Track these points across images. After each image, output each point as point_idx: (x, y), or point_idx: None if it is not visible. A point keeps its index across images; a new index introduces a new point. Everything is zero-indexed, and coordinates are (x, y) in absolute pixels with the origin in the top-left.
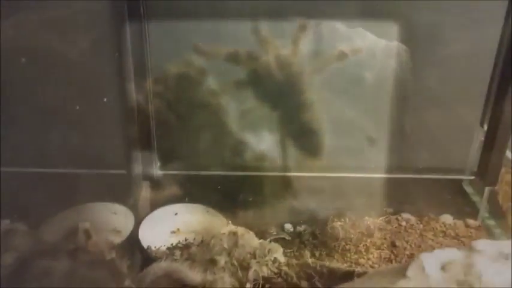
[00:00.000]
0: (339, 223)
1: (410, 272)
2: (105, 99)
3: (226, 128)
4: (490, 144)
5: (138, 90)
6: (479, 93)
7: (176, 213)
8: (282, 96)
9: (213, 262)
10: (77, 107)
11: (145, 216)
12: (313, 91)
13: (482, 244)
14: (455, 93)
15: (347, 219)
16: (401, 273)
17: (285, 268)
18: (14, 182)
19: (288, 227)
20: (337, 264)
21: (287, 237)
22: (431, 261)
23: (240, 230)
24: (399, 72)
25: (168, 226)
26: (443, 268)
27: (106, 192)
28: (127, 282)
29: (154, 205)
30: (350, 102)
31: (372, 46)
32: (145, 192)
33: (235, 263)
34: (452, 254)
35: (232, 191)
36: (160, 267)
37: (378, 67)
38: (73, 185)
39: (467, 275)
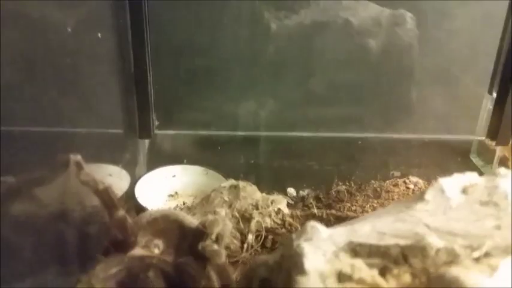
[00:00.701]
0: (344, 186)
1: (428, 195)
2: (99, 35)
3: (228, 87)
4: (502, 103)
5: (136, 46)
6: (487, 62)
7: (174, 175)
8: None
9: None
10: (73, 64)
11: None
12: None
13: (505, 170)
14: (463, 63)
15: (352, 183)
16: (420, 198)
17: (289, 219)
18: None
19: (291, 191)
20: (345, 212)
21: (290, 201)
22: (451, 184)
23: (242, 183)
24: (405, 39)
25: (166, 188)
26: (464, 191)
27: (101, 152)
28: (120, 212)
29: (152, 166)
30: (356, 69)
31: (377, 15)
32: (142, 153)
33: (237, 214)
34: (473, 177)
35: (233, 152)
36: (157, 210)
37: (383, 35)
38: (67, 145)
39: (492, 195)
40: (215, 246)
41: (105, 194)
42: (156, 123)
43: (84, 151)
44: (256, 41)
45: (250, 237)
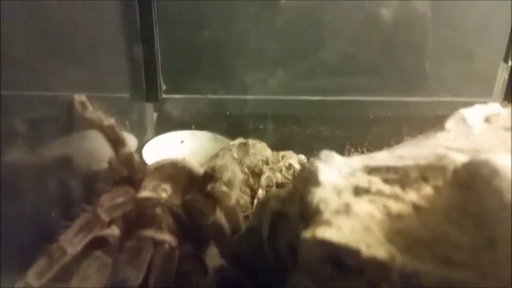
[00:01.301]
0: (356, 153)
1: (449, 125)
2: None
3: (238, 54)
4: None
5: (143, 7)
6: (503, 31)
7: (182, 141)
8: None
9: None
10: (77, 26)
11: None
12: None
13: None
14: (478, 32)
15: (365, 150)
16: (440, 128)
17: None
18: (13, 105)
19: (302, 157)
20: None
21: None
22: (473, 114)
23: (251, 141)
24: (418, 8)
25: (173, 154)
26: (487, 120)
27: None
28: (126, 149)
29: (159, 132)
30: (368, 39)
31: None
32: (149, 118)
33: (246, 170)
34: (496, 107)
35: (242, 117)
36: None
37: (396, 4)
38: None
39: None
40: (224, 188)
41: (110, 131)
42: (164, 87)
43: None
44: (266, 11)
45: (261, 192)
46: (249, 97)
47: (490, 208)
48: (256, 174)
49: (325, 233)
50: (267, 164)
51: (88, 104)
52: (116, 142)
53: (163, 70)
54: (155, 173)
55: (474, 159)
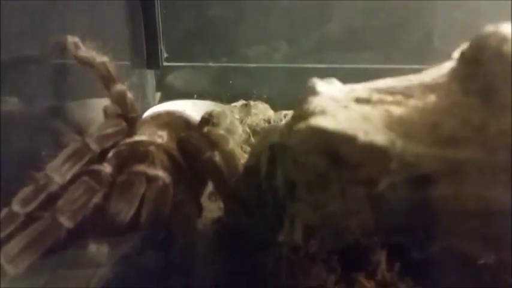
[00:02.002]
0: None
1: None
2: None
3: (242, 26)
4: None
5: None
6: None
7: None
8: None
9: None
10: None
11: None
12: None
13: None
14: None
15: None
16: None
17: None
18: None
19: None
20: None
21: None
22: None
23: (253, 102)
24: None
25: None
26: None
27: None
28: (119, 86)
29: (160, 100)
30: (374, 14)
31: None
32: (150, 86)
33: (248, 129)
34: None
35: (245, 85)
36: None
37: None
38: (71, 78)
39: None
40: (221, 131)
41: (102, 68)
42: (165, 55)
43: (90, 84)
44: None
45: None
46: (252, 65)
47: (500, 74)
48: (258, 133)
49: (319, 121)
50: (269, 122)
51: (81, 45)
52: (108, 79)
53: (164, 37)
54: (151, 121)
55: (481, 32)
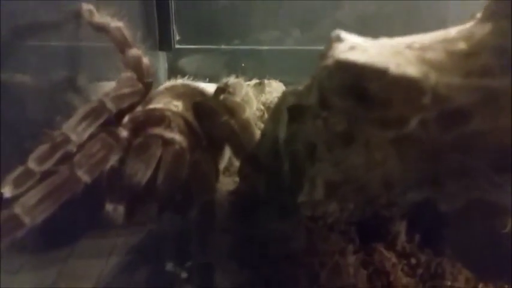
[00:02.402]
0: None
1: None
2: None
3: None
4: None
5: None
6: None
7: None
8: None
9: None
10: None
11: None
12: None
13: None
14: None
15: None
16: None
17: None
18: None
19: None
20: None
21: None
22: None
23: (267, 80)
24: None
25: None
26: None
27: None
28: (134, 50)
29: None
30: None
31: None
32: (162, 68)
33: (262, 107)
34: None
35: (258, 68)
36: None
37: None
38: (84, 60)
39: None
40: (238, 99)
41: (117, 32)
42: (177, 37)
43: (102, 66)
44: None
45: None
46: (265, 47)
47: None
48: None
49: (347, 55)
50: None
51: (95, 11)
52: (123, 44)
53: (177, 20)
54: (166, 92)
55: None
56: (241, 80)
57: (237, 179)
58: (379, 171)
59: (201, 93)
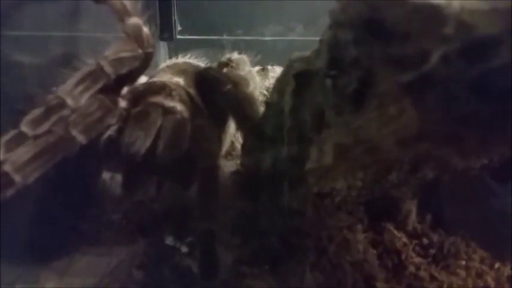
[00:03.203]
0: None
1: None
2: None
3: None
4: None
5: None
6: None
7: None
8: None
9: None
10: None
11: None
12: None
13: None
14: None
15: None
16: None
17: None
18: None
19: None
20: None
21: None
22: None
23: (270, 67)
24: None
25: None
26: None
27: None
28: (134, 19)
29: None
30: None
31: None
32: (163, 59)
33: (265, 92)
34: None
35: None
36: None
37: None
38: (86, 50)
39: None
40: (242, 73)
41: (117, 1)
42: (179, 28)
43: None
44: None
45: None
46: (268, 38)
47: None
48: None
49: None
50: None
51: None
52: (123, 12)
53: (178, 10)
54: (167, 69)
55: None
56: (244, 56)
57: (239, 162)
58: (392, 127)
59: (203, 69)
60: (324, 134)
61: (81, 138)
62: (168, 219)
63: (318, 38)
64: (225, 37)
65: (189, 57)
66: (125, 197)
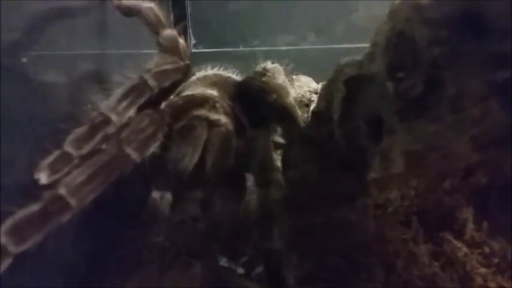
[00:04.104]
0: None
1: None
2: None
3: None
4: None
5: None
6: None
7: None
8: None
9: None
10: None
11: None
12: None
13: None
14: None
15: None
16: None
17: None
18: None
19: None
20: None
21: None
22: None
23: (295, 76)
24: None
25: None
26: None
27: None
28: (169, 31)
29: None
30: None
31: None
32: None
33: (293, 101)
34: None
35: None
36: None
37: None
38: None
39: None
40: (280, 81)
41: (150, 13)
42: (193, 41)
43: (119, 71)
44: None
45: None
46: (282, 48)
47: None
48: (305, 104)
49: None
50: (316, 93)
51: None
52: (157, 25)
53: (192, 23)
54: (198, 82)
55: None
56: (278, 65)
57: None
58: (473, 131)
59: (236, 81)
60: (386, 141)
61: (135, 156)
62: (218, 239)
63: (331, 46)
64: (241, 48)
65: (218, 69)
66: (174, 216)
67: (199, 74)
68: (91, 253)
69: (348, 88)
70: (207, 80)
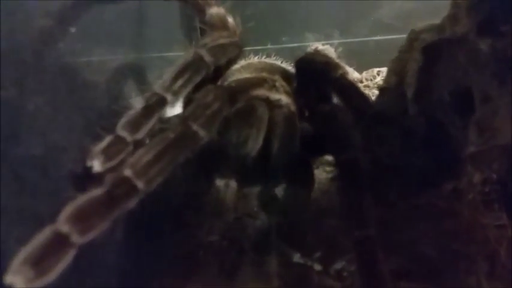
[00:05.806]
0: None
1: None
2: None
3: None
4: None
5: None
6: None
7: None
8: None
9: None
10: None
11: None
12: None
13: None
14: None
15: None
16: None
17: None
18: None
19: None
20: None
21: None
22: None
23: None
24: None
25: None
26: None
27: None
28: (216, 9)
29: None
30: None
31: None
32: None
33: None
34: None
35: None
36: None
37: None
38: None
39: None
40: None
41: None
42: None
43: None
44: None
45: None
46: (291, 45)
47: None
48: None
49: None
50: (361, 82)
51: None
52: (203, 3)
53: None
54: (243, 70)
55: None
56: (329, 46)
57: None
58: None
59: (282, 68)
60: (481, 110)
61: (203, 134)
62: (287, 233)
63: (359, 39)
64: (269, 46)
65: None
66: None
67: (242, 62)
68: (141, 254)
69: (426, 57)
70: (251, 67)
